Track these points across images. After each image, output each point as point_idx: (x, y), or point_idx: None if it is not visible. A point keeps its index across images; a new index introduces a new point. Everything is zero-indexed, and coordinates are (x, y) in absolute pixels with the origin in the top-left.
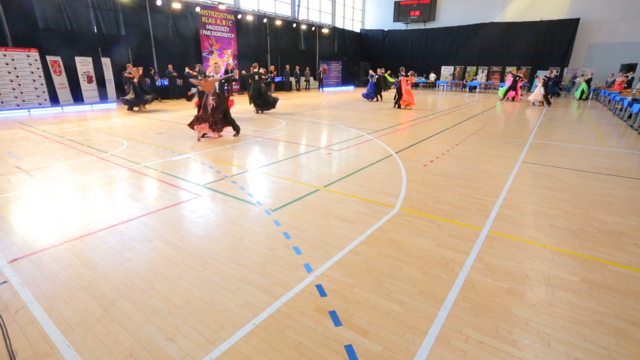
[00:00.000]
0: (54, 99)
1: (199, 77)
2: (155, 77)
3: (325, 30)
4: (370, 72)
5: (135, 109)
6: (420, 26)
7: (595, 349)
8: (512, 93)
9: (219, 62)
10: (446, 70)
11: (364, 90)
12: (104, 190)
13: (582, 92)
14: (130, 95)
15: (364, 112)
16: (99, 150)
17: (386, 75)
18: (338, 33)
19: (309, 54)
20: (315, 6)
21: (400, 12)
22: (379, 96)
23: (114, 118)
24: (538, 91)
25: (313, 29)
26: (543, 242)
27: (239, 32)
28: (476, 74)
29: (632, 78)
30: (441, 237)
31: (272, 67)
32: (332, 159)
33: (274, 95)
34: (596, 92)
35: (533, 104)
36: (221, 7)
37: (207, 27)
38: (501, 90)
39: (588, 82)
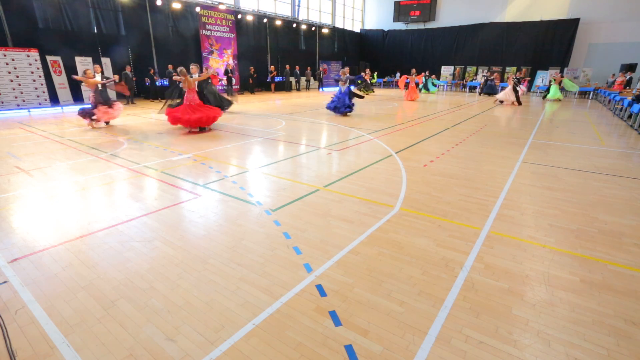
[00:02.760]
0: (54, 99)
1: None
2: (155, 77)
3: (325, 30)
4: (362, 74)
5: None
6: (420, 26)
7: (595, 349)
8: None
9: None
10: (446, 70)
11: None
12: (104, 190)
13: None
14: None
15: (364, 112)
16: (99, 150)
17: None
18: (338, 33)
19: (309, 54)
20: (315, 6)
21: (400, 12)
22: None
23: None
24: (507, 91)
25: (313, 29)
26: (543, 242)
27: (239, 32)
28: (476, 74)
29: (631, 78)
30: (441, 237)
31: (272, 67)
32: (332, 159)
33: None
34: (596, 92)
35: (501, 102)
36: (221, 7)
37: (207, 27)
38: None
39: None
